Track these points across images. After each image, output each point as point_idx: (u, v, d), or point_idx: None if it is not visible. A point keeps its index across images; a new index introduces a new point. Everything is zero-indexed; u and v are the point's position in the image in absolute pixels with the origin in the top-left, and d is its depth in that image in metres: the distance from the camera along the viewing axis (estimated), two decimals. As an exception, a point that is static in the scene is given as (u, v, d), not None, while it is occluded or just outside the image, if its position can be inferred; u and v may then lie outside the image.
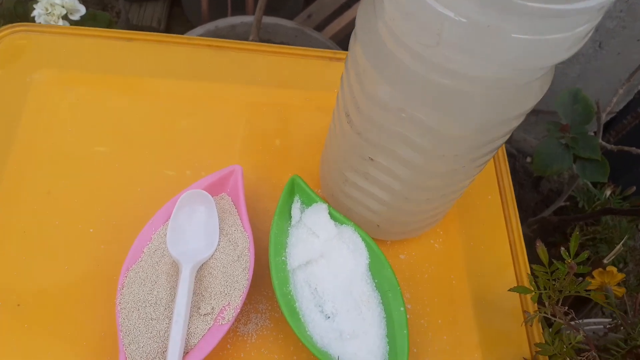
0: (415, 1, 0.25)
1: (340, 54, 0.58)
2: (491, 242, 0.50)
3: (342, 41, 1.46)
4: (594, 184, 0.92)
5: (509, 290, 0.40)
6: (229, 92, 0.54)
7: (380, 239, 0.47)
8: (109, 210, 0.45)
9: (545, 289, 0.39)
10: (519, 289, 0.40)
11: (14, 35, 0.53)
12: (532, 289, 0.39)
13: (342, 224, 0.44)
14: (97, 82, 0.52)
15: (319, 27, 1.46)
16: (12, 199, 0.45)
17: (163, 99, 0.52)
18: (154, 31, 1.49)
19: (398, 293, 0.41)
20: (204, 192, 0.42)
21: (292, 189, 0.45)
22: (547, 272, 0.40)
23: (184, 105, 0.52)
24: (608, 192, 0.89)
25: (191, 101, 0.53)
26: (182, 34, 1.56)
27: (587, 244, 0.87)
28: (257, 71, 0.56)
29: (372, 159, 0.37)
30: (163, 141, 0.50)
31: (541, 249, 0.41)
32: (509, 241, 0.50)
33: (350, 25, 1.43)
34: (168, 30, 1.55)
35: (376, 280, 0.43)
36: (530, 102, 0.32)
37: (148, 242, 0.41)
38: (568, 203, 0.90)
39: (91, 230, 0.44)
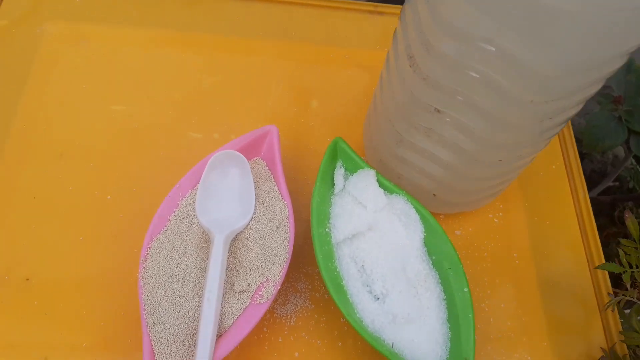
0: None
1: (382, 6, 0.52)
2: (557, 217, 0.44)
3: None
4: (640, 162, 0.85)
5: (595, 268, 0.34)
6: (259, 48, 0.48)
7: (432, 211, 0.41)
8: (129, 176, 0.40)
9: (637, 267, 0.33)
10: (608, 266, 0.34)
11: (22, -16, 0.48)
12: (625, 266, 0.33)
13: (392, 193, 0.38)
14: (115, 35, 0.47)
15: None
16: (20, 161, 0.40)
17: (187, 55, 0.47)
18: None
19: (460, 271, 0.36)
20: (238, 153, 0.37)
21: (335, 153, 0.39)
22: (638, 249, 0.34)
23: (210, 62, 0.47)
24: (660, 172, 0.83)
25: (218, 57, 0.47)
26: None
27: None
28: (291, 25, 0.50)
29: (438, 110, 0.31)
30: (188, 101, 0.45)
31: (631, 221, 0.35)
32: (577, 215, 0.44)
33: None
34: None
35: (433, 257, 0.37)
36: (636, 38, 0.25)
37: (174, 209, 0.35)
38: (617, 183, 0.84)
39: (109, 197, 0.39)
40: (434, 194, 0.39)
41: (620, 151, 0.92)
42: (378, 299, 0.36)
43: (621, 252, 0.34)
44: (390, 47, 0.36)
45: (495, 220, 0.43)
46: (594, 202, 0.80)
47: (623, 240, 0.34)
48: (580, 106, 0.31)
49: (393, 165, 0.39)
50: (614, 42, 0.25)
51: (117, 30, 0.47)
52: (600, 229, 0.92)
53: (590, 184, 1.00)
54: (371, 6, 0.52)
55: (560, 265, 0.42)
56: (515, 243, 0.42)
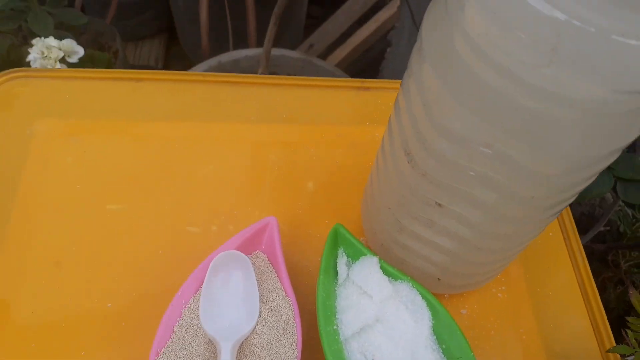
0: (522, 9, 0.20)
1: (369, 82, 0.53)
2: (558, 286, 0.44)
3: (347, 69, 1.42)
4: (630, 204, 0.86)
5: (607, 351, 0.34)
6: (251, 132, 0.49)
7: (437, 293, 0.41)
8: (128, 280, 0.39)
9: (648, 346, 0.33)
10: (618, 349, 0.34)
11: (11, 82, 0.48)
12: (635, 347, 0.33)
13: (396, 280, 0.38)
14: (104, 129, 0.47)
15: (322, 57, 1.43)
16: (15, 272, 0.39)
17: (178, 145, 0.47)
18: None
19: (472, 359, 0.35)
20: (239, 253, 0.36)
21: (336, 241, 0.39)
22: (647, 326, 0.34)
23: (202, 150, 0.47)
24: (648, 212, 0.84)
25: (210, 145, 0.47)
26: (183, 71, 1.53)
27: (632, 271, 0.81)
28: (281, 107, 0.51)
29: (439, 204, 0.32)
30: (183, 193, 0.44)
31: (636, 298, 0.35)
32: (578, 283, 0.44)
33: (354, 53, 1.39)
34: (166, 67, 1.51)
35: (443, 346, 0.36)
36: (635, 132, 0.26)
37: (178, 319, 0.34)
38: (608, 227, 0.85)
39: (109, 305, 0.38)
40: (439, 279, 0.39)
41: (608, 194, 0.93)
42: (392, 393, 0.35)
43: (630, 333, 0.34)
44: (385, 135, 0.37)
45: (499, 294, 0.43)
46: (587, 249, 0.80)
47: (631, 319, 0.34)
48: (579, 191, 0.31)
49: (395, 250, 0.39)
50: (615, 140, 0.25)
51: (106, 124, 0.47)
52: (595, 274, 0.92)
53: (580, 227, 1.01)
54: (358, 82, 0.53)
55: (566, 337, 0.41)
56: (521, 317, 0.42)
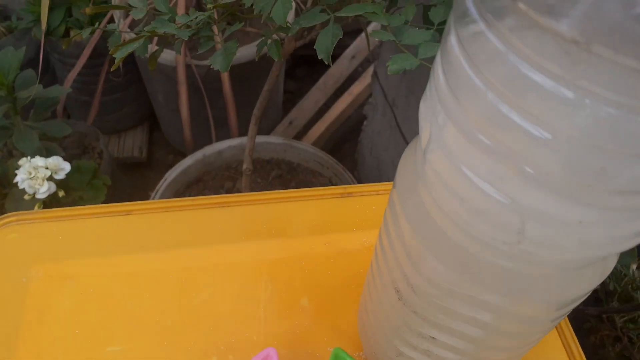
0: (486, 200, 0.22)
1: (351, 187, 0.55)
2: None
3: (327, 142, 1.46)
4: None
5: None
6: (241, 252, 0.50)
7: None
8: None
9: None
10: None
11: (4, 228, 0.49)
12: None
13: (401, 398, 0.39)
14: (99, 268, 0.48)
15: (301, 132, 1.47)
16: None
17: (172, 275, 0.48)
18: (136, 160, 1.48)
19: None
20: (242, 394, 0.37)
21: (337, 365, 0.40)
22: None
23: (195, 278, 0.48)
24: (634, 267, 0.86)
25: (201, 271, 0.48)
26: (166, 159, 1.55)
27: (628, 326, 0.82)
28: (267, 223, 0.52)
29: (433, 338, 0.33)
30: (179, 326, 0.45)
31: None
32: (577, 372, 0.45)
33: (332, 126, 1.43)
34: (150, 156, 1.54)
35: None
36: (605, 272, 0.28)
37: None
38: (598, 286, 0.86)
39: None
40: (441, 394, 0.39)
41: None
42: None
43: None
44: (374, 263, 0.38)
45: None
46: (580, 313, 0.81)
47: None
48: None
49: (395, 370, 0.40)
50: (591, 280, 0.27)
51: (100, 263, 0.48)
52: (593, 331, 0.92)
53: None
54: (340, 189, 0.55)
55: None
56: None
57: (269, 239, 0.51)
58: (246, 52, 1.12)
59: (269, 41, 0.61)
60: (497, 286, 0.27)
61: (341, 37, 0.53)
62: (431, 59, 0.51)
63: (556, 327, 0.47)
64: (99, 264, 0.48)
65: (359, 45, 1.47)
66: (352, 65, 1.50)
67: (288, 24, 0.55)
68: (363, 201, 0.54)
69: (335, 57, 1.51)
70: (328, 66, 1.51)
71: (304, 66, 1.82)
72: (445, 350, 0.33)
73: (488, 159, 0.21)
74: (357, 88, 1.43)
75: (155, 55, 0.70)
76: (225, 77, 1.11)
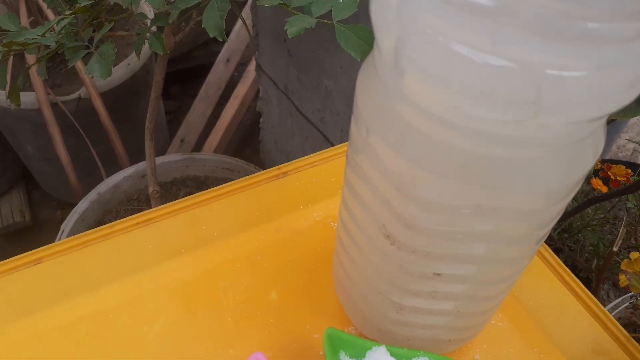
0: (492, 76, 0.19)
1: (285, 166, 0.51)
2: (546, 292, 0.44)
3: (227, 151, 1.40)
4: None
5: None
6: (184, 268, 0.44)
7: (448, 353, 0.39)
8: None
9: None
10: None
11: None
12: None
13: (411, 359, 0.35)
14: (21, 332, 0.39)
15: (196, 149, 1.39)
16: None
17: (114, 313, 0.40)
18: (20, 226, 1.30)
19: (521, 408, 0.33)
20: (244, 412, 0.31)
21: (333, 347, 0.35)
22: None
23: (140, 310, 0.41)
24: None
25: (145, 300, 0.41)
26: (54, 217, 1.39)
27: (563, 237, 0.87)
28: (205, 228, 0.46)
29: (438, 274, 0.30)
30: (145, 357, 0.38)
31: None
32: (561, 282, 0.45)
33: (228, 133, 1.37)
34: (35, 218, 1.37)
35: (486, 405, 0.34)
36: (598, 149, 0.26)
37: None
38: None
39: None
40: (449, 339, 0.36)
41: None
42: None
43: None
44: (345, 226, 0.34)
45: (499, 324, 0.42)
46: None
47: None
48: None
49: (396, 330, 0.36)
50: (582, 166, 0.25)
51: (17, 327, 0.39)
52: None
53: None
54: (274, 170, 0.51)
55: (577, 336, 0.41)
56: (529, 337, 0.41)
57: (213, 242, 0.45)
58: (117, 73, 1.03)
59: (148, 35, 0.54)
60: (500, 181, 0.24)
61: (229, 8, 0.49)
62: (327, 16, 0.48)
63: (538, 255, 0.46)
64: (19, 328, 0.39)
65: (230, 46, 1.42)
66: (229, 69, 1.45)
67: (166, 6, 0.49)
68: (301, 177, 0.50)
69: (209, 65, 1.45)
70: (202, 79, 1.45)
71: (177, 84, 1.73)
72: (452, 284, 0.30)
73: (486, 23, 0.18)
74: (241, 90, 1.38)
75: (17, 86, 0.61)
76: (100, 106, 1.01)
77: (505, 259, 0.29)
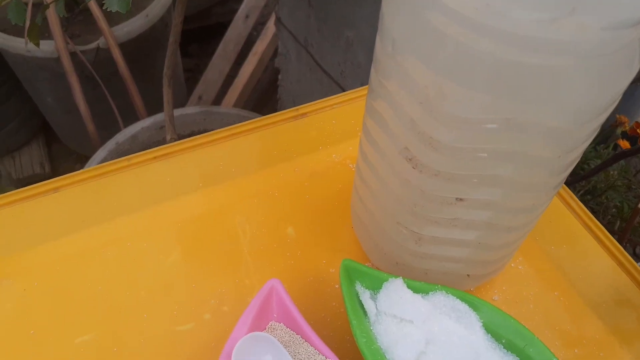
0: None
1: (303, 108, 0.50)
2: (566, 235, 0.43)
3: (244, 108, 1.39)
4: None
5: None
6: (201, 202, 0.43)
7: (466, 290, 0.38)
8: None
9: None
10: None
11: None
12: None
13: (428, 293, 0.35)
14: (38, 257, 0.39)
15: (215, 105, 1.38)
16: None
17: (128, 244, 0.40)
18: (40, 178, 1.32)
19: (538, 343, 0.33)
20: (259, 334, 0.31)
21: (349, 278, 0.35)
22: None
23: (157, 240, 0.41)
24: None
25: (162, 232, 0.41)
26: (72, 170, 1.41)
27: (586, 199, 0.85)
28: (223, 165, 0.46)
29: (460, 199, 0.29)
30: (157, 293, 0.38)
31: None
32: (582, 225, 0.44)
33: (245, 91, 1.36)
34: (55, 170, 1.38)
35: (503, 341, 0.34)
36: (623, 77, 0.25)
37: None
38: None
39: None
40: (468, 275, 0.36)
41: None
42: (472, 413, 0.32)
43: None
44: (365, 155, 0.34)
45: (519, 267, 0.41)
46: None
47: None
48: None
49: (415, 263, 0.36)
50: (613, 83, 0.24)
51: (37, 252, 0.39)
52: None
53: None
54: (292, 111, 0.50)
55: (597, 279, 0.40)
56: (549, 281, 0.40)
57: (231, 178, 0.45)
58: (135, 24, 1.02)
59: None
60: (530, 93, 0.23)
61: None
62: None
63: (561, 200, 0.45)
64: (36, 254, 0.39)
65: (249, 2, 1.39)
66: (248, 25, 1.43)
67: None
68: (320, 118, 0.50)
69: (228, 23, 1.42)
70: (220, 38, 1.43)
71: (195, 43, 1.72)
72: (474, 210, 0.30)
73: None
74: (260, 46, 1.36)
75: (36, 24, 0.60)
76: (118, 56, 1.01)
77: (530, 184, 0.28)
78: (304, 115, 0.50)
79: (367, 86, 0.50)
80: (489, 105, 0.24)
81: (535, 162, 0.27)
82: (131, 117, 1.11)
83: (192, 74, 1.64)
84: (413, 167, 0.28)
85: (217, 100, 1.38)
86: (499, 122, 0.24)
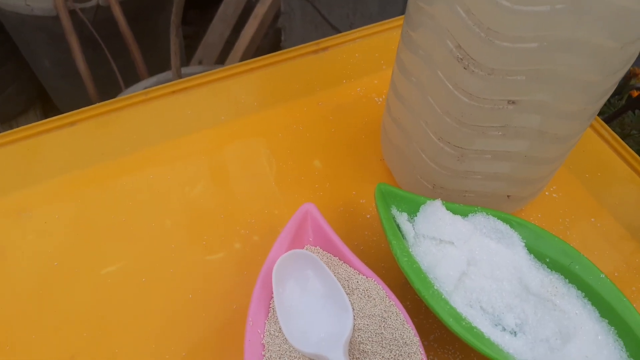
0: None
1: (325, 42, 0.48)
2: (600, 162, 0.42)
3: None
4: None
5: None
6: (227, 133, 0.42)
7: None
8: (173, 339, 0.31)
9: None
10: None
11: None
12: None
13: (467, 215, 0.34)
14: (59, 189, 0.38)
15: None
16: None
17: (157, 171, 0.39)
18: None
19: (584, 260, 0.32)
20: (298, 251, 0.30)
21: (385, 202, 0.34)
22: None
23: (188, 169, 0.39)
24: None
25: (194, 160, 0.40)
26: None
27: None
28: (248, 97, 0.44)
29: (512, 102, 0.27)
30: (184, 223, 0.37)
31: None
32: (613, 151, 0.42)
33: (247, 54, 1.33)
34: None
35: (547, 260, 0.33)
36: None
37: (262, 352, 0.27)
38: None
39: (165, 378, 0.30)
40: (508, 195, 0.35)
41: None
42: (516, 333, 0.31)
43: None
44: (406, 68, 0.32)
45: (554, 195, 0.40)
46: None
47: None
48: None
49: (453, 185, 0.34)
50: None
51: (57, 184, 0.38)
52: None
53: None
54: (312, 45, 0.48)
55: (634, 206, 0.39)
56: (585, 207, 0.39)
57: (254, 112, 0.43)
58: (135, -20, 0.98)
59: None
60: None
61: None
62: None
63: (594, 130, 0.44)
64: (57, 186, 0.38)
65: (250, -36, 1.36)
66: (248, -12, 1.39)
67: None
68: (342, 52, 0.48)
69: (227, -14, 1.39)
70: (219, 3, 1.39)
71: (195, 9, 1.68)
72: (526, 114, 0.28)
73: None
74: (261, 9, 1.33)
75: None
76: (119, 14, 0.98)
77: (584, 83, 0.27)
78: (324, 49, 0.48)
79: (389, 19, 0.48)
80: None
81: (592, 53, 0.25)
82: (133, 79, 1.09)
83: (192, 41, 1.60)
84: (464, 68, 0.27)
85: (218, 64, 1.35)
86: (566, 3, 0.22)
